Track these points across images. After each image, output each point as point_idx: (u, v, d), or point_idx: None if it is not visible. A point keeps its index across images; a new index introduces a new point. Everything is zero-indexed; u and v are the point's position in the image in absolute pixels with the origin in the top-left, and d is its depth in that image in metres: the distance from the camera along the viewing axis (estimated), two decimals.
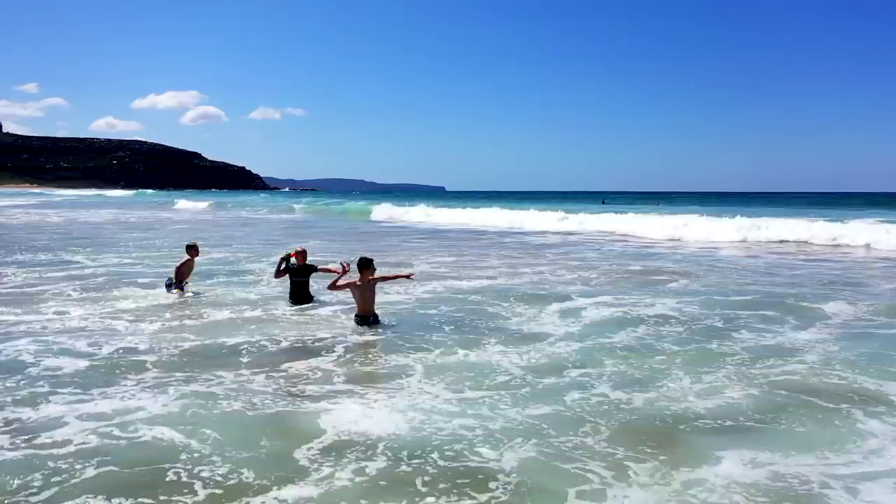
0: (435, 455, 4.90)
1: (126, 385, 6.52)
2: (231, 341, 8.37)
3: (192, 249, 12.22)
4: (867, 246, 22.66)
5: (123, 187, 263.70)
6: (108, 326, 9.12)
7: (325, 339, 8.60)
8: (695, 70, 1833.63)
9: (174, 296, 11.53)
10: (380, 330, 9.09)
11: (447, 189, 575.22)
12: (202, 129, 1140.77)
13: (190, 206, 70.83)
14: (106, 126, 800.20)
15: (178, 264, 12.09)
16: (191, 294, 11.74)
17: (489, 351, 8.01)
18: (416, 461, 4.81)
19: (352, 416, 5.73)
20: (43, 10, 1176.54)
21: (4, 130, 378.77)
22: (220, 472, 4.59)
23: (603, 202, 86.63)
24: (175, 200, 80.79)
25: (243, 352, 7.93)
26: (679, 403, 6.11)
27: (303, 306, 10.67)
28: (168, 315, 9.99)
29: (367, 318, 9.44)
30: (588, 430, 5.45)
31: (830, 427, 5.57)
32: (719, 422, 5.68)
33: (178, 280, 11.87)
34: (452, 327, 9.29)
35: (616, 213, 39.57)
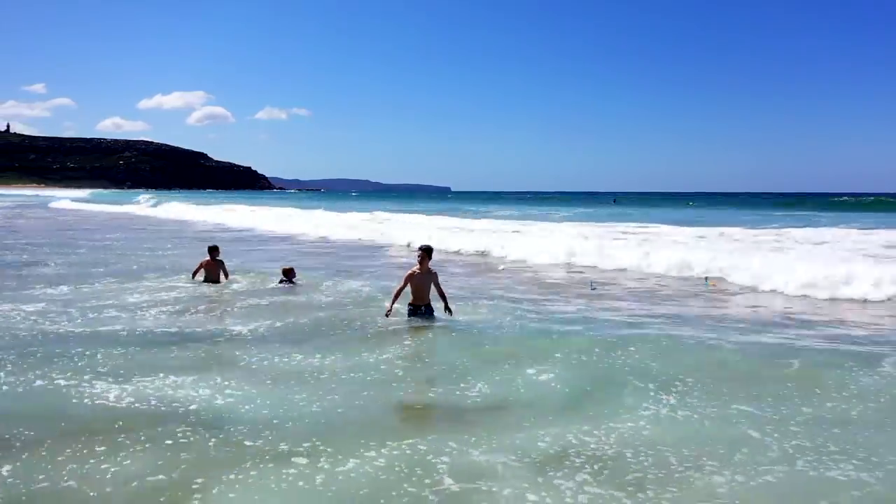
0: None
1: None
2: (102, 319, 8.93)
3: (214, 251, 13.16)
4: None
5: (129, 187, 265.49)
6: None
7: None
8: (696, 71, 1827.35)
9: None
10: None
11: (452, 189, 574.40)
12: (208, 129, 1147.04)
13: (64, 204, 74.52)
14: (113, 126, 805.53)
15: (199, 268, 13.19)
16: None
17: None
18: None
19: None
20: (50, 10, 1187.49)
21: (12, 131, 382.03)
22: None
23: (614, 201, 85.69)
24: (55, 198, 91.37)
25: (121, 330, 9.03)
26: None
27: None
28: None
29: (419, 308, 9.27)
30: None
31: None
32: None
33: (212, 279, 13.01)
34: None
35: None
